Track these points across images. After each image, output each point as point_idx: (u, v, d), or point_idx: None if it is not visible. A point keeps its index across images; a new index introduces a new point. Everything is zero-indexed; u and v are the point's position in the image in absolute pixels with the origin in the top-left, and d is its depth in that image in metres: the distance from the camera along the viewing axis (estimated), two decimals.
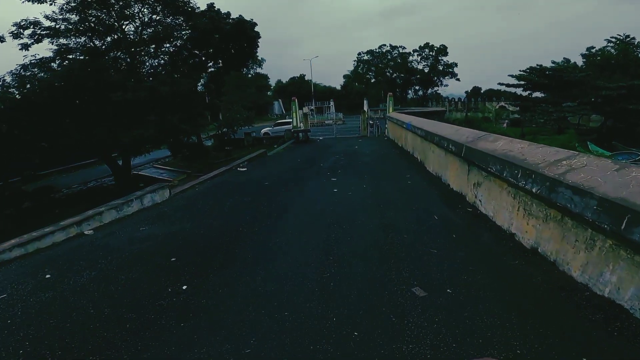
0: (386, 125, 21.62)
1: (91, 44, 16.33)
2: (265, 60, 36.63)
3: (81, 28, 15.77)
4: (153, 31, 17.16)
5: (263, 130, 30.72)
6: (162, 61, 19.33)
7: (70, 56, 16.35)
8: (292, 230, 5.01)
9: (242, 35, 23.19)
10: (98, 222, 6.14)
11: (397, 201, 6.12)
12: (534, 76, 33.67)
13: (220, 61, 25.03)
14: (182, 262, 4.34)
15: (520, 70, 34.85)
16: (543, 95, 34.86)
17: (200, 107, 21.17)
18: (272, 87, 76.05)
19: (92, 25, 16.10)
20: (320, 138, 21.78)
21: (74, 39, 16.46)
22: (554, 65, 34.12)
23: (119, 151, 15.85)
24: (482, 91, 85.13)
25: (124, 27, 18.30)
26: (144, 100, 13.96)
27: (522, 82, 34.93)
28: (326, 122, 34.94)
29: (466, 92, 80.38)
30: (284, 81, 76.11)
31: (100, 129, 13.61)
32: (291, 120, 22.54)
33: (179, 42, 20.69)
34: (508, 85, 36.24)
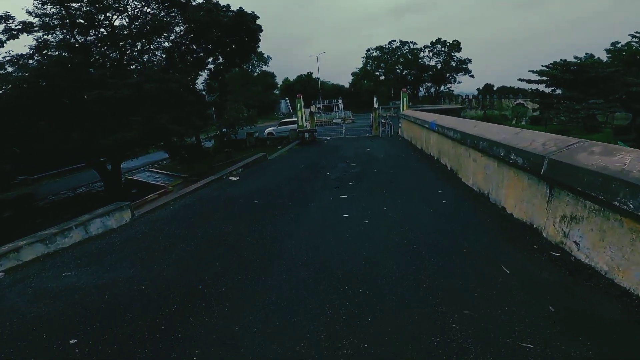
0: (400, 124, 19.66)
1: (73, 39, 14.81)
2: (271, 58, 35.03)
3: (60, 22, 14.26)
4: (141, 24, 15.53)
5: (267, 130, 29.02)
6: (154, 57, 17.76)
7: (55, 52, 14.89)
8: (277, 296, 3.16)
9: (242, 29, 21.40)
10: (15, 260, 4.42)
11: (437, 236, 4.23)
12: (557, 72, 31.32)
13: (220, 57, 23.33)
14: (84, 351, 2.58)
15: (542, 66, 32.54)
16: (562, 92, 32.52)
17: (198, 105, 19.50)
18: (278, 86, 74.56)
19: (74, 19, 14.57)
20: (328, 138, 19.94)
21: (55, 34, 14.98)
22: (577, 60, 31.70)
23: (100, 156, 14.27)
24: (494, 88, 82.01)
25: (113, 21, 16.81)
26: (127, 99, 12.33)
27: (545, 78, 32.58)
28: (334, 120, 33.16)
29: (478, 89, 77.57)
30: (291, 79, 74.35)
31: (78, 132, 12.03)
32: (296, 119, 20.76)
33: (172, 36, 19.10)
34: (529, 82, 33.94)
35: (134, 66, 17.51)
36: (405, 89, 20.93)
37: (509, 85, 79.61)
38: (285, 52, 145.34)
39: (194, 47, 21.99)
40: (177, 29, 19.55)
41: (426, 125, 10.42)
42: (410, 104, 46.89)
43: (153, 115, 13.11)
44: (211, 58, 23.04)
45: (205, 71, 23.41)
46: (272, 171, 10.00)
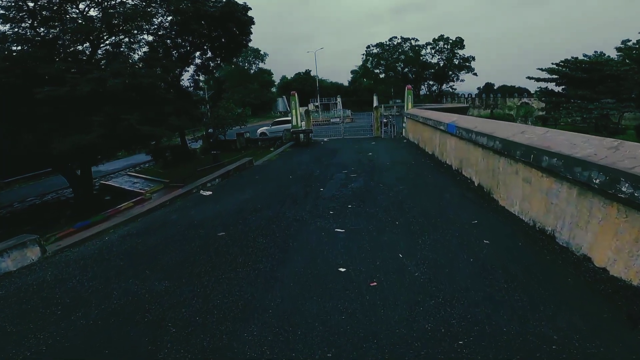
0: (403, 124, 17.97)
1: (34, 32, 13.08)
2: (268, 55, 33.08)
3: (17, 14, 12.55)
4: (113, 14, 13.74)
5: (260, 130, 27.17)
6: (132, 52, 16.01)
7: (17, 47, 13.19)
8: None
9: (231, 20, 19.48)
10: None
11: (493, 314, 2.48)
12: (567, 70, 29.72)
13: (209, 51, 21.45)
14: None
15: (552, 63, 30.93)
16: (568, 91, 30.91)
17: (182, 103, 17.70)
18: (276, 84, 72.53)
19: (34, 10, 12.83)
20: (325, 139, 18.21)
21: (21, 27, 13.28)
22: (588, 58, 30.11)
23: (59, 161, 12.49)
24: (494, 87, 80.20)
25: (86, 12, 15.09)
26: (89, 97, 10.63)
27: (555, 77, 30.97)
28: (332, 120, 31.29)
29: (478, 88, 75.72)
30: (290, 77, 72.34)
31: (29, 135, 10.33)
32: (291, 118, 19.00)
33: (153, 29, 17.34)
34: (538, 80, 32.27)
35: (104, 61, 15.78)
36: (410, 86, 19.22)
37: (509, 84, 77.77)
38: (284, 51, 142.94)
39: (180, 40, 20.18)
40: (159, 20, 17.73)
41: (441, 127, 8.66)
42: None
43: (120, 116, 11.36)
44: (198, 52, 21.17)
45: (193, 66, 21.58)
46: (254, 183, 8.22)
